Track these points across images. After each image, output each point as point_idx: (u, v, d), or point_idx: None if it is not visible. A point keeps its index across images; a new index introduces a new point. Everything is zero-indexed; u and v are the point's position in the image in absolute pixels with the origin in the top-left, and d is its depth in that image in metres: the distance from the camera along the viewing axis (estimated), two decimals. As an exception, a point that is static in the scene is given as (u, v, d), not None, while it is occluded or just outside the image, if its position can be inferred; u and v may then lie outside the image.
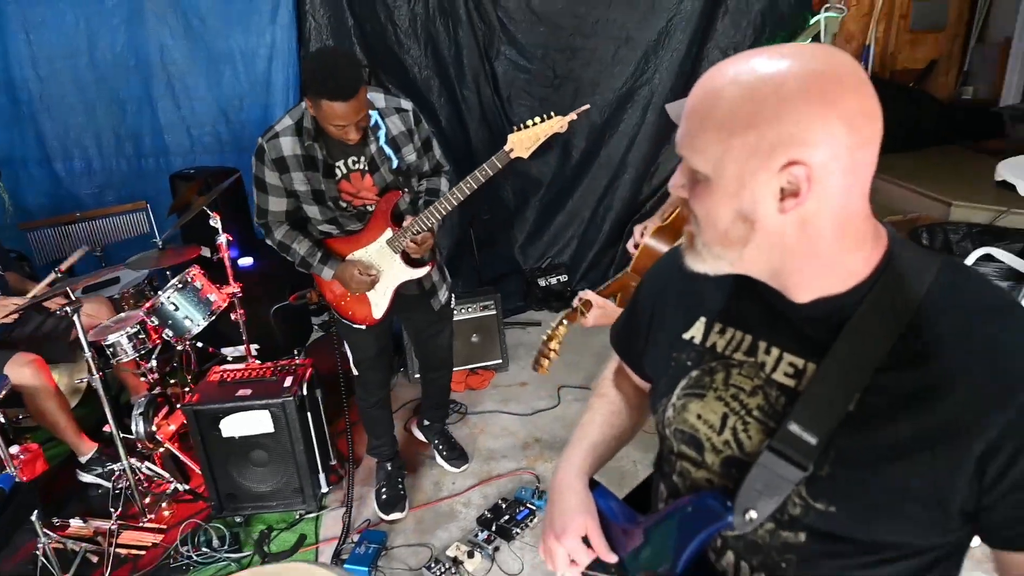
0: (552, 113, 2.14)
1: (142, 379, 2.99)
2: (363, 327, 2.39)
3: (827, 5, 4.23)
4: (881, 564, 0.79)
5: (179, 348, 3.01)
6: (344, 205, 2.20)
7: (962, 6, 4.69)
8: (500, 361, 3.55)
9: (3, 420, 2.24)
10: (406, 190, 2.26)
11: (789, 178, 0.71)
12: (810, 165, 0.70)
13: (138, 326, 2.74)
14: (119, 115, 3.92)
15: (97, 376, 2.38)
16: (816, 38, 4.28)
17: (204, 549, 2.44)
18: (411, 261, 2.29)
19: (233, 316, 3.02)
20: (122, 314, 2.93)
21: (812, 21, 4.27)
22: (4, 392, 2.20)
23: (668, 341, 1.00)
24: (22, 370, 2.52)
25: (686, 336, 0.97)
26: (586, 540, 1.05)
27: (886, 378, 0.75)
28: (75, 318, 2.26)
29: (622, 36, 4.18)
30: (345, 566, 2.35)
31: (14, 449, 2.35)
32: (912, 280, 0.77)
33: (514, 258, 4.49)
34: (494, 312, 3.51)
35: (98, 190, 3.98)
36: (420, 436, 2.98)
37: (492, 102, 4.17)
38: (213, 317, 2.81)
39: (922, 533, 0.76)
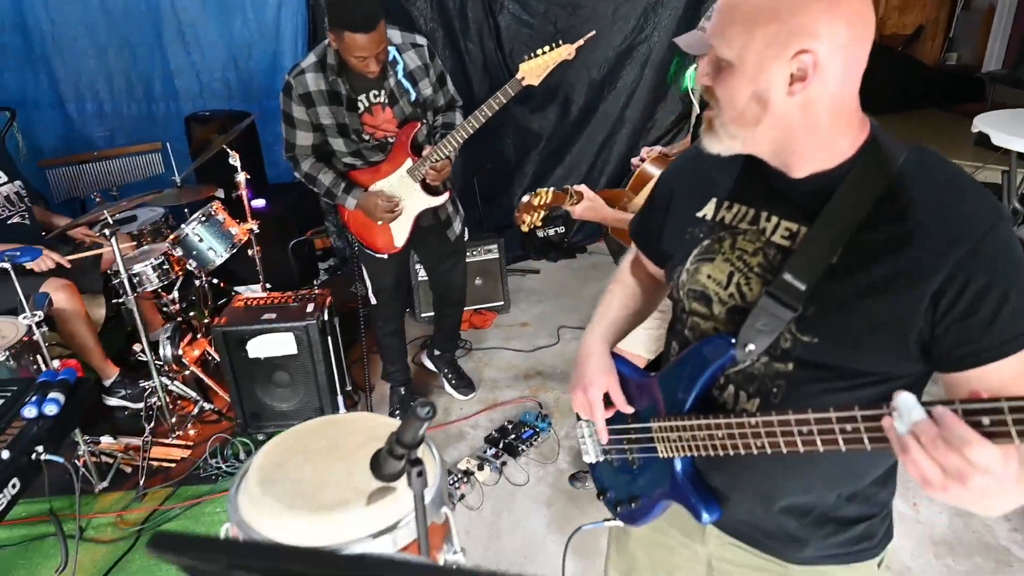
0: (560, 41, 2.27)
1: (160, 314, 3.15)
2: (384, 256, 2.55)
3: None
4: (856, 388, 0.98)
5: (197, 283, 3.17)
6: (367, 138, 2.34)
7: (949, -27, 4.86)
8: (502, 303, 3.73)
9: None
10: (424, 122, 2.41)
11: (799, 64, 0.88)
12: (816, 53, 0.87)
13: (163, 257, 2.88)
14: (130, 59, 3.99)
15: (132, 297, 2.53)
16: None
17: (232, 461, 2.62)
18: (430, 189, 2.45)
19: (250, 252, 3.16)
20: (145, 246, 3.06)
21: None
22: (47, 310, 2.34)
23: (683, 220, 1.17)
24: (57, 294, 2.65)
25: (699, 214, 1.15)
26: (607, 400, 1.24)
27: (864, 235, 0.94)
28: (113, 241, 2.39)
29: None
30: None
31: (56, 363, 2.50)
32: (889, 158, 0.95)
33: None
34: (497, 256, 3.68)
35: (109, 133, 4.07)
36: (430, 366, 3.17)
37: (495, 55, 4.28)
38: (235, 249, 2.96)
39: (891, 361, 0.95)
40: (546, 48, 2.28)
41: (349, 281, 3.22)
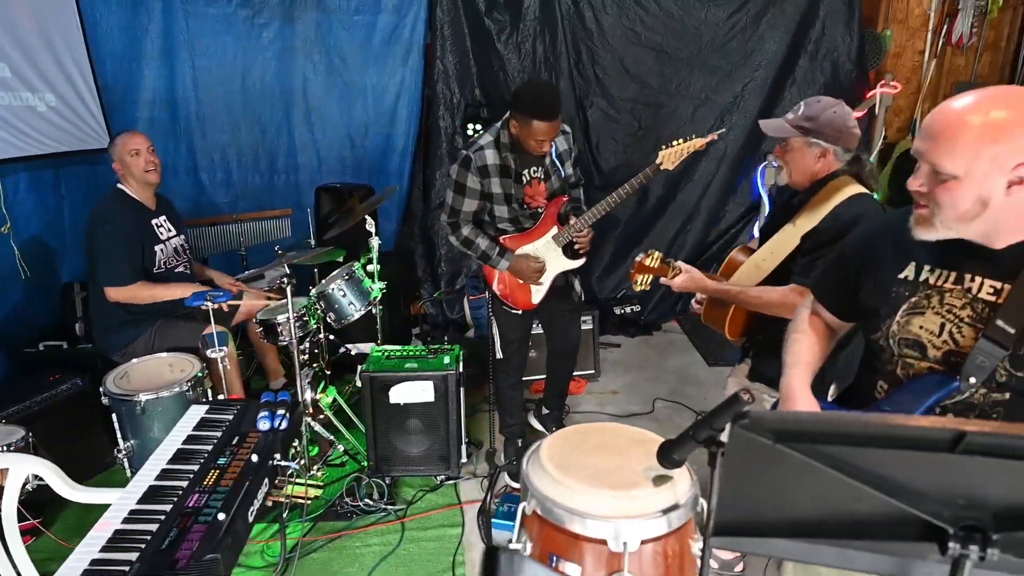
0: (694, 135, 2.61)
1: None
2: (518, 311, 2.82)
3: (882, 82, 4.79)
4: None
5: (321, 337, 3.43)
6: (525, 207, 2.67)
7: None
8: (593, 371, 3.95)
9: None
10: (568, 195, 2.75)
11: (1020, 173, 1.16)
12: None
13: (304, 309, 3.16)
14: (259, 136, 4.43)
15: (295, 342, 2.79)
16: (872, 110, 4.84)
17: (367, 500, 2.80)
18: (569, 254, 2.75)
19: (373, 311, 3.44)
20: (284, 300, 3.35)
21: (869, 95, 4.83)
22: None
23: (886, 281, 1.43)
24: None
25: (900, 276, 1.41)
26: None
27: None
28: (289, 291, 2.69)
29: (701, 97, 4.74)
30: (494, 522, 2.71)
31: (221, 397, 2.76)
32: None
33: (592, 287, 4.94)
34: (591, 327, 3.93)
35: (233, 199, 4.46)
36: (537, 426, 3.36)
37: (583, 145, 4.69)
38: (370, 307, 3.23)
39: None
40: (680, 140, 2.62)
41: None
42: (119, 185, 3.01)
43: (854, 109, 4.79)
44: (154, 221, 3.06)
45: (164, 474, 1.71)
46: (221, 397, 2.76)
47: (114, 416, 2.52)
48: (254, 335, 3.43)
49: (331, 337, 3.56)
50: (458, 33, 4.35)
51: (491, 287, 2.86)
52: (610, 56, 4.61)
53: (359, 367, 3.57)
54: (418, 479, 3.00)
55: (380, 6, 4.29)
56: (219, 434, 1.89)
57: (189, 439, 1.87)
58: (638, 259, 2.29)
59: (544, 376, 3.46)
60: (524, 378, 3.83)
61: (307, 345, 3.32)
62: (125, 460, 2.55)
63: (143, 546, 1.44)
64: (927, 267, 1.38)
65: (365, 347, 3.70)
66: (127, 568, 1.38)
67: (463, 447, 2.98)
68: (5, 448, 2.13)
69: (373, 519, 2.76)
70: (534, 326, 3.67)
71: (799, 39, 4.68)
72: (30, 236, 3.50)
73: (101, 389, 2.57)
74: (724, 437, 1.14)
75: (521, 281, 2.75)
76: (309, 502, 2.84)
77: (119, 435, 2.53)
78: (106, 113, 3.87)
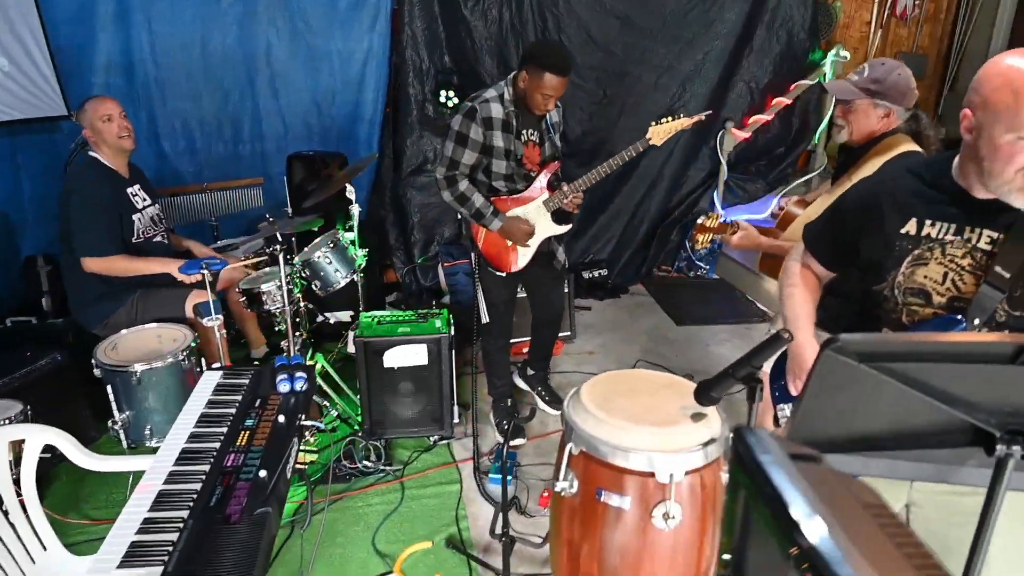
0: (681, 114, 2.73)
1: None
2: (503, 274, 2.89)
3: (832, 51, 5.00)
4: None
5: (301, 306, 3.42)
6: (521, 165, 2.73)
7: (937, 61, 5.59)
8: (569, 333, 4.07)
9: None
10: (560, 162, 2.82)
11: None
12: None
13: (288, 277, 3.15)
14: (222, 103, 4.31)
15: (287, 308, 2.79)
16: (824, 78, 5.05)
17: (365, 463, 2.85)
18: (558, 219, 2.83)
19: (354, 278, 3.45)
20: (266, 269, 3.32)
21: (820, 62, 5.03)
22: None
23: (887, 236, 1.56)
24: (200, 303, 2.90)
25: (902, 231, 1.54)
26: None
27: None
28: (282, 260, 2.68)
29: (664, 65, 4.84)
30: (490, 477, 2.81)
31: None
32: None
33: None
34: (566, 290, 4.03)
35: (197, 168, 4.34)
36: (523, 386, 3.46)
37: (551, 113, 4.74)
38: (354, 275, 3.24)
39: None
40: (669, 118, 2.74)
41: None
42: (91, 153, 2.92)
43: (805, 77, 5.03)
44: (129, 190, 2.98)
45: (193, 437, 1.73)
46: (216, 365, 2.74)
47: (109, 388, 2.48)
48: (235, 304, 3.39)
49: (309, 306, 3.56)
50: (426, -2, 4.32)
51: (478, 247, 2.89)
52: (576, 24, 4.65)
53: (346, 333, 3.60)
54: (411, 440, 3.07)
55: (344, -31, 4.21)
56: (239, 398, 1.91)
57: (210, 403, 1.89)
58: (699, 221, 2.43)
59: (526, 339, 3.56)
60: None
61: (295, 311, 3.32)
62: (121, 431, 2.52)
63: (191, 503, 1.47)
64: (928, 222, 1.51)
65: (344, 315, 3.72)
66: (180, 524, 1.41)
67: (455, 408, 3.06)
68: (5, 421, 2.08)
69: (372, 480, 2.82)
70: (518, 291, 3.76)
71: (756, 10, 4.83)
72: (-12, 208, 3.35)
73: (93, 361, 2.53)
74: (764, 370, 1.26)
75: (509, 244, 2.81)
76: (306, 467, 2.87)
77: (114, 406, 2.50)
78: (60, 79, 3.71)
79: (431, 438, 3.07)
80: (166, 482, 1.55)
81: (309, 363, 3.02)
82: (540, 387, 3.37)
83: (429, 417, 3.02)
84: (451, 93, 4.14)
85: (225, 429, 1.76)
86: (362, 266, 3.27)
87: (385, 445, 3.00)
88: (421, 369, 2.93)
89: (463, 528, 2.58)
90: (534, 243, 2.85)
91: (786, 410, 1.71)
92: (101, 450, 2.87)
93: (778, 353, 1.70)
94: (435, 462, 2.96)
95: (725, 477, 1.47)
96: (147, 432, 2.55)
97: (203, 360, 2.69)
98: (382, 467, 2.87)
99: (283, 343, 3.36)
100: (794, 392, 1.64)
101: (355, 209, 3.38)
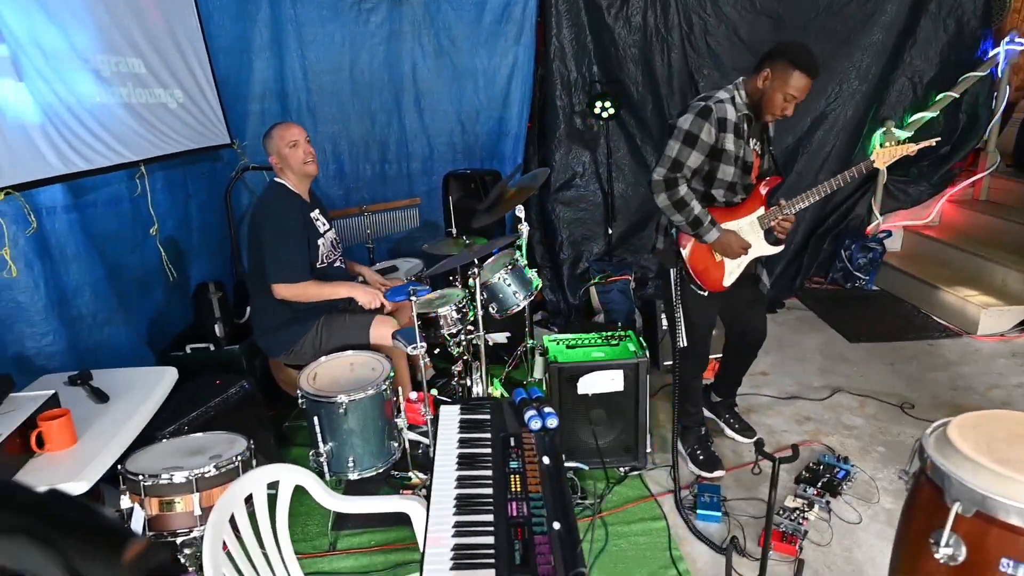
0: (907, 140, 2.49)
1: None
2: (707, 293, 2.67)
3: (1006, 40, 4.58)
4: None
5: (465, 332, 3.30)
6: (747, 173, 2.53)
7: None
8: (738, 353, 3.81)
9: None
10: (782, 176, 2.61)
11: None
12: None
13: (464, 300, 3.04)
14: (369, 125, 4.31)
15: (482, 334, 2.68)
16: (996, 68, 4.63)
17: (561, 495, 2.69)
18: (770, 239, 2.60)
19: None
20: (441, 290, 3.23)
21: (991, 53, 4.61)
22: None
23: None
24: (387, 328, 2.83)
25: None
26: None
27: None
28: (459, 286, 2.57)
29: (820, 72, 4.53)
30: (698, 513, 2.60)
31: (413, 395, 2.65)
32: None
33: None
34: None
35: (345, 192, 4.35)
36: (707, 413, 3.23)
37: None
38: (532, 297, 3.10)
39: None
40: (894, 142, 2.50)
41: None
42: (277, 179, 2.90)
43: (976, 69, 4.62)
44: (312, 214, 2.95)
45: (462, 482, 1.60)
46: (414, 395, 2.65)
47: (315, 419, 2.41)
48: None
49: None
50: (573, 8, 4.19)
51: (682, 261, 2.66)
52: (724, 26, 4.43)
53: (513, 357, 3.48)
54: (598, 471, 2.89)
55: (489, -16, 4.14)
56: (488, 436, 1.78)
57: (461, 442, 1.76)
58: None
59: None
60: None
61: (462, 337, 3.22)
62: (325, 463, 2.45)
63: (493, 561, 1.33)
64: None
65: (500, 337, 3.59)
66: (493, 586, 1.27)
67: (648, 437, 2.86)
68: (238, 459, 2.03)
69: (570, 515, 2.65)
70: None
71: (920, -1, 4.47)
72: (166, 237, 3.40)
73: (298, 391, 2.47)
74: None
75: (718, 259, 2.60)
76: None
77: (319, 438, 2.43)
78: (224, 108, 3.77)
79: (622, 469, 2.88)
80: (455, 535, 1.42)
81: (489, 389, 2.92)
82: (728, 415, 3.13)
83: (622, 447, 2.84)
84: (607, 104, 3.97)
85: (490, 472, 1.62)
86: (539, 287, 3.14)
87: (574, 474, 2.84)
88: (615, 396, 2.76)
89: (683, 571, 2.37)
90: (741, 262, 2.63)
91: None
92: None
93: None
94: (632, 496, 2.77)
95: None
96: (350, 464, 2.47)
97: (399, 389, 2.60)
98: (578, 500, 2.70)
99: (455, 367, 3.29)
100: None
101: (524, 228, 3.27)
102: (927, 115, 4.65)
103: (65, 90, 2.60)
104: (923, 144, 2.54)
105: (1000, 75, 4.66)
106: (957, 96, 4.63)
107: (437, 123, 4.37)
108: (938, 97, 4.65)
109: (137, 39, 3.10)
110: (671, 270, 2.71)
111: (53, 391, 2.07)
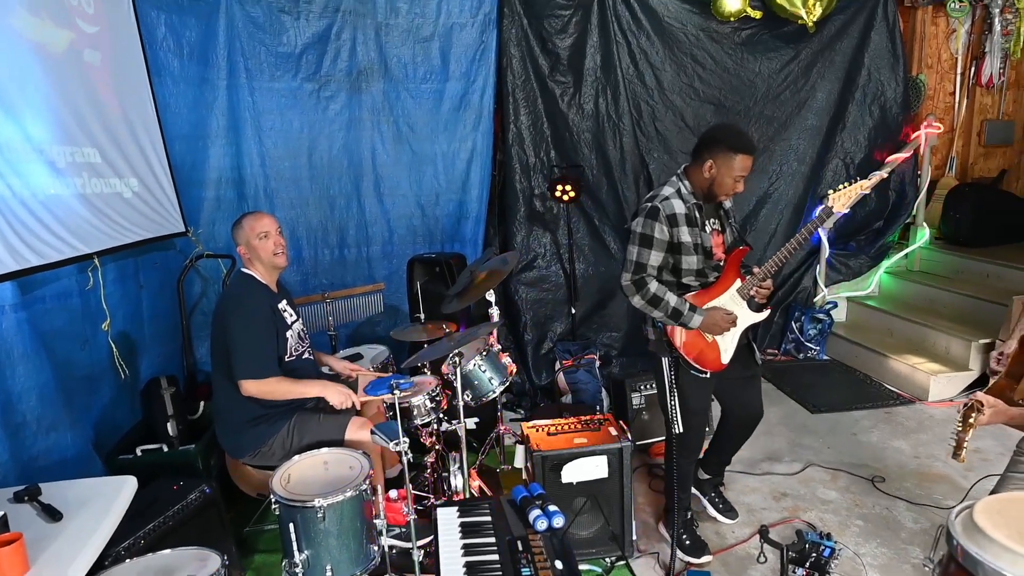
0: (858, 177, 2.59)
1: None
2: (707, 374, 2.67)
3: (925, 123, 4.96)
4: None
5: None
6: (710, 257, 2.58)
7: None
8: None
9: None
10: (748, 246, 2.69)
11: None
12: None
13: (437, 389, 2.97)
14: (327, 210, 4.28)
15: (463, 423, 2.60)
16: (917, 150, 4.99)
17: (550, 592, 2.57)
18: (754, 307, 2.66)
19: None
20: (414, 378, 3.14)
21: (913, 136, 4.99)
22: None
23: None
24: (363, 431, 2.71)
25: None
26: None
27: None
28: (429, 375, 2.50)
29: (759, 146, 4.81)
30: (692, 602, 2.53)
31: (393, 493, 2.52)
32: None
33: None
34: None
35: (303, 277, 4.26)
36: (693, 491, 3.18)
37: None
38: (508, 382, 3.05)
39: None
40: (847, 183, 2.60)
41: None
42: (244, 270, 2.81)
43: (900, 151, 4.97)
44: (279, 305, 2.85)
45: (474, 595, 1.51)
46: (393, 493, 2.52)
47: (290, 526, 2.25)
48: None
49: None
50: (529, 96, 4.34)
51: (676, 351, 2.66)
52: (671, 113, 4.67)
53: (492, 443, 3.39)
54: (583, 563, 2.79)
55: (447, 74, 4.25)
56: (492, 540, 1.70)
57: (466, 549, 1.67)
58: (957, 438, 2.24)
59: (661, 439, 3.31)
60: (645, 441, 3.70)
61: (433, 427, 3.12)
62: (300, 573, 2.27)
63: None
64: None
65: (470, 423, 3.50)
66: None
67: (634, 524, 2.80)
68: (215, 579, 1.86)
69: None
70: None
71: (847, 86, 4.83)
72: (118, 331, 3.22)
73: (272, 497, 2.31)
74: None
75: (710, 338, 2.62)
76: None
77: (294, 546, 2.26)
78: (178, 195, 3.67)
79: (607, 559, 2.79)
80: (478, 658, 1.32)
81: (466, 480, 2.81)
82: (713, 493, 3.10)
83: (607, 536, 2.76)
84: (568, 187, 4.06)
85: (502, 582, 1.54)
86: (513, 372, 3.09)
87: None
88: (599, 483, 2.70)
89: (683, 668, 2.28)
90: (734, 335, 2.66)
91: None
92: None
93: None
94: (620, 587, 2.68)
95: None
96: (327, 572, 2.30)
97: (378, 488, 2.47)
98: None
99: (427, 458, 3.17)
100: None
101: (494, 312, 3.25)
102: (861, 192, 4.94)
103: (19, 183, 2.47)
104: (875, 179, 2.61)
105: (923, 155, 5.03)
106: (885, 176, 4.95)
107: (397, 207, 4.37)
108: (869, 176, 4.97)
109: (93, 128, 3.01)
110: (663, 359, 2.68)
111: (2, 512, 1.87)
